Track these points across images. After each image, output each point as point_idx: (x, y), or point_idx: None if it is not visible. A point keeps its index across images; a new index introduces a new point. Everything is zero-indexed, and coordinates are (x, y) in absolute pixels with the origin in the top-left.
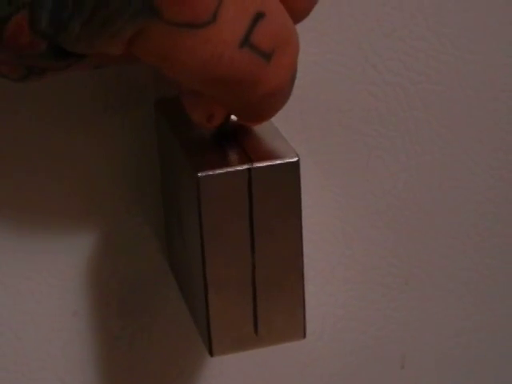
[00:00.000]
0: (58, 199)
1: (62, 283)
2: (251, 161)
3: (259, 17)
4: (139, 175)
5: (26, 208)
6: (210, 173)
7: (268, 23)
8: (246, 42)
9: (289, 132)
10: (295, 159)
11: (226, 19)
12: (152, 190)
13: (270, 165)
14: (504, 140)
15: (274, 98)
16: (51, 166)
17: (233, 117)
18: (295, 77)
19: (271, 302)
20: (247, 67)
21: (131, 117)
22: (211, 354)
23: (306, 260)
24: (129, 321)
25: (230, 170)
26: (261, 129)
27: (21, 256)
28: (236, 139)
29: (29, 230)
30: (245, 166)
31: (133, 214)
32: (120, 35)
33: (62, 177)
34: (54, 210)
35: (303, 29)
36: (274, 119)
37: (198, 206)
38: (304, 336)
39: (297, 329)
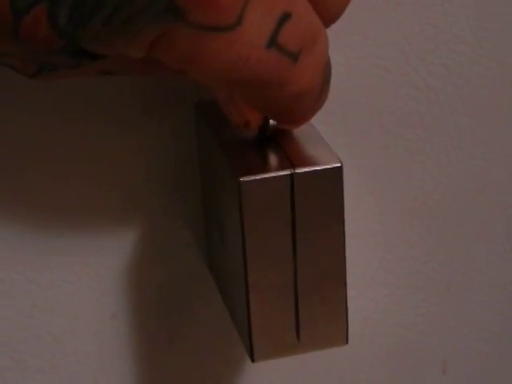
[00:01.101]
0: (97, 202)
1: (100, 286)
2: (293, 166)
3: (286, 17)
4: (179, 178)
5: (66, 212)
6: (252, 178)
7: (295, 23)
8: (272, 42)
9: (330, 136)
10: (338, 165)
11: (251, 21)
12: (192, 193)
13: (313, 170)
14: None
15: (304, 99)
16: (90, 169)
17: (272, 121)
18: (329, 77)
19: (313, 307)
20: (274, 68)
21: (171, 119)
22: (252, 359)
23: (347, 265)
24: (167, 324)
25: (271, 175)
26: (303, 133)
27: (60, 259)
28: (278, 144)
29: (68, 233)
30: (287, 172)
31: (172, 217)
32: (142, 36)
33: (101, 180)
34: (92, 213)
35: (345, 33)
36: (315, 124)
37: (239, 211)
38: (346, 342)
39: (339, 334)
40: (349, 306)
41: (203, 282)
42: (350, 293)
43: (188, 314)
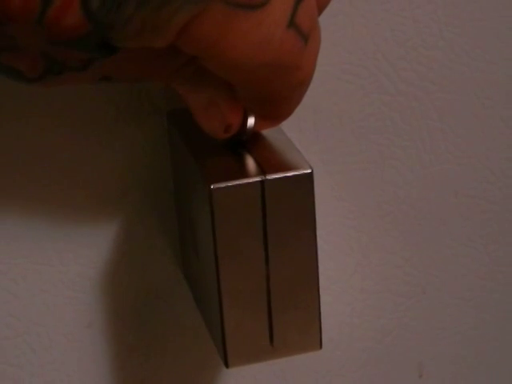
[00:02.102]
0: (71, 211)
1: (76, 295)
2: (264, 172)
3: None
4: (152, 187)
5: (40, 221)
6: (223, 185)
7: (307, 4)
8: (292, 22)
9: (302, 142)
10: (309, 171)
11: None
12: (165, 201)
13: (283, 177)
14: None
15: (303, 87)
16: (62, 178)
17: (249, 124)
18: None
19: (286, 313)
20: (292, 50)
21: (143, 128)
22: (227, 365)
23: (321, 269)
24: (144, 332)
25: (242, 181)
26: (274, 140)
27: (35, 268)
28: (249, 151)
29: (42, 243)
30: (258, 178)
31: (146, 225)
32: (175, 19)
33: (73, 189)
34: (66, 222)
35: None
36: (287, 130)
37: (211, 217)
38: (320, 347)
39: (313, 340)
40: (324, 310)
41: (179, 290)
42: (326, 298)
43: (164, 322)
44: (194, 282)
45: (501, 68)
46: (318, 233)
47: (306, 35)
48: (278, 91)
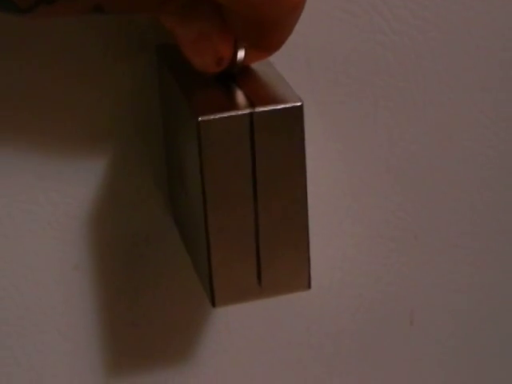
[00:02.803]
0: (57, 149)
1: (62, 235)
2: (253, 105)
3: None
4: (141, 123)
5: (27, 159)
6: (211, 117)
7: None
8: None
9: (294, 81)
10: (298, 104)
11: None
12: (154, 139)
13: (273, 109)
14: None
15: (297, 14)
16: (49, 114)
17: (239, 57)
18: None
19: (275, 251)
20: None
21: (132, 63)
22: (213, 304)
23: (311, 214)
24: (132, 275)
25: (231, 114)
26: (263, 73)
27: (22, 208)
28: (238, 84)
29: (29, 181)
30: (247, 111)
31: (135, 164)
32: None
33: (61, 126)
34: (53, 159)
35: None
36: (279, 67)
37: (198, 151)
38: (309, 286)
39: (301, 279)
40: (315, 256)
41: (168, 231)
42: (317, 242)
43: (153, 265)
44: (182, 223)
45: (497, 7)
46: (309, 176)
47: None
48: (271, 16)
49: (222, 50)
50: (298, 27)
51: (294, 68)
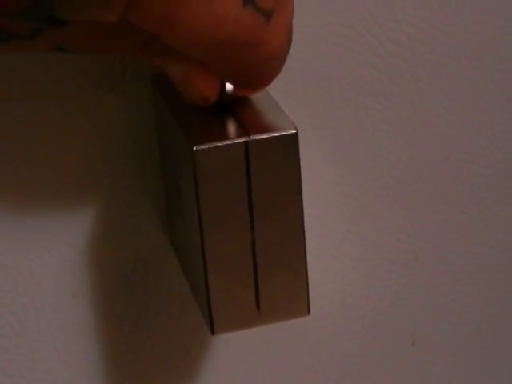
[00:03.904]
0: (56, 179)
1: (61, 263)
2: (248, 133)
3: None
4: (138, 152)
5: (24, 189)
6: (206, 146)
7: None
8: (249, 0)
9: (290, 106)
10: (293, 131)
11: None
12: (151, 166)
13: (268, 137)
14: (511, 111)
15: (274, 61)
16: (48, 144)
17: (228, 88)
18: (291, 39)
19: (273, 277)
20: (250, 27)
21: (127, 93)
22: (213, 332)
23: (311, 236)
24: (132, 301)
25: (226, 143)
26: (259, 101)
27: (20, 237)
28: (233, 112)
29: (27, 210)
30: (241, 139)
31: (133, 192)
32: None
33: (60, 155)
34: (51, 189)
35: (302, 0)
36: (274, 92)
37: (194, 180)
38: (308, 312)
39: (300, 305)
40: (315, 278)
41: (166, 257)
42: (316, 265)
43: (152, 291)
44: (180, 249)
45: (491, 29)
46: (307, 198)
47: (267, 12)
48: (247, 66)
49: (206, 91)
50: (292, 52)
51: (289, 92)
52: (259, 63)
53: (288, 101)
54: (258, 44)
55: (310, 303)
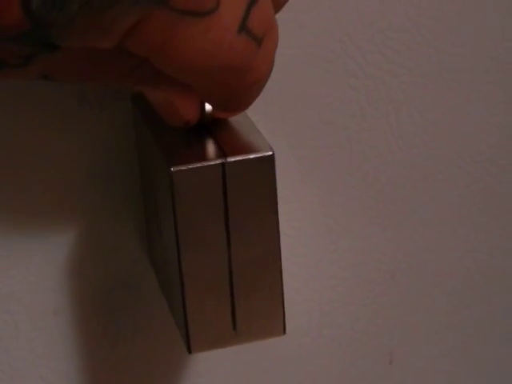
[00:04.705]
0: (35, 196)
1: (41, 281)
2: (225, 155)
3: (253, 1)
4: (118, 171)
5: (3, 206)
6: (183, 167)
7: (260, 7)
8: (243, 27)
9: (269, 126)
10: (270, 153)
11: (227, 5)
12: (131, 185)
13: (244, 159)
14: (487, 133)
15: (259, 86)
16: (26, 163)
17: (208, 109)
18: (273, 64)
19: (249, 298)
20: (243, 53)
21: (108, 112)
22: (189, 350)
23: (289, 255)
24: (112, 319)
25: (203, 164)
26: (236, 123)
27: (1, 254)
28: (210, 133)
29: (7, 228)
30: (218, 161)
31: (112, 211)
32: (119, 22)
33: (39, 173)
34: (31, 207)
35: (282, 21)
36: (253, 113)
37: (171, 200)
38: (284, 332)
39: (276, 325)
40: (293, 297)
41: (146, 276)
42: (294, 284)
43: (132, 309)
44: (158, 268)
45: (468, 51)
46: (286, 218)
47: (259, 38)
48: (233, 91)
49: (187, 115)
50: (271, 73)
51: (268, 113)
52: (245, 88)
53: (266, 121)
54: (248, 70)
55: (288, 322)
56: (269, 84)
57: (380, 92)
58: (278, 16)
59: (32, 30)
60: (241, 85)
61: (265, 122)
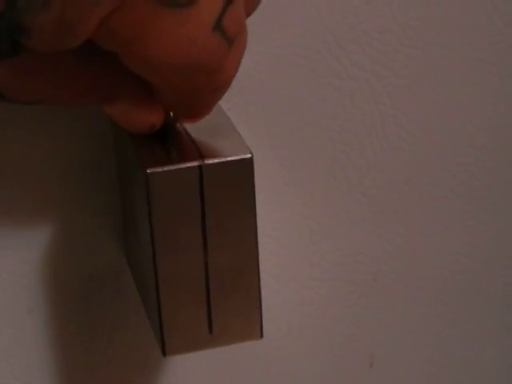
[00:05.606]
0: (11, 196)
1: (15, 279)
2: (202, 157)
3: (229, 1)
4: (95, 173)
5: None
6: (160, 169)
7: (235, 8)
8: (218, 25)
9: (250, 126)
10: (248, 156)
11: (205, 0)
12: (109, 185)
13: (222, 161)
14: (473, 135)
15: (223, 90)
16: (4, 163)
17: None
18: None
19: (226, 301)
20: (215, 53)
21: (86, 112)
22: (164, 353)
23: (269, 257)
24: (88, 318)
25: (179, 166)
26: (214, 124)
27: None
28: (188, 135)
29: None
30: (195, 163)
31: (90, 212)
32: (98, 7)
33: (15, 173)
34: (5, 205)
35: (264, 21)
36: (234, 113)
37: (147, 203)
38: (261, 336)
39: (253, 328)
40: (273, 299)
41: (123, 277)
42: (275, 285)
43: (108, 309)
44: (135, 269)
45: (454, 52)
46: (266, 219)
47: (231, 39)
48: (196, 94)
49: (151, 119)
50: (254, 72)
51: (250, 113)
52: (210, 91)
53: (248, 121)
54: (216, 71)
55: (268, 323)
56: (251, 83)
57: (364, 93)
58: (261, 15)
59: (4, 13)
60: (207, 87)
61: (246, 122)
